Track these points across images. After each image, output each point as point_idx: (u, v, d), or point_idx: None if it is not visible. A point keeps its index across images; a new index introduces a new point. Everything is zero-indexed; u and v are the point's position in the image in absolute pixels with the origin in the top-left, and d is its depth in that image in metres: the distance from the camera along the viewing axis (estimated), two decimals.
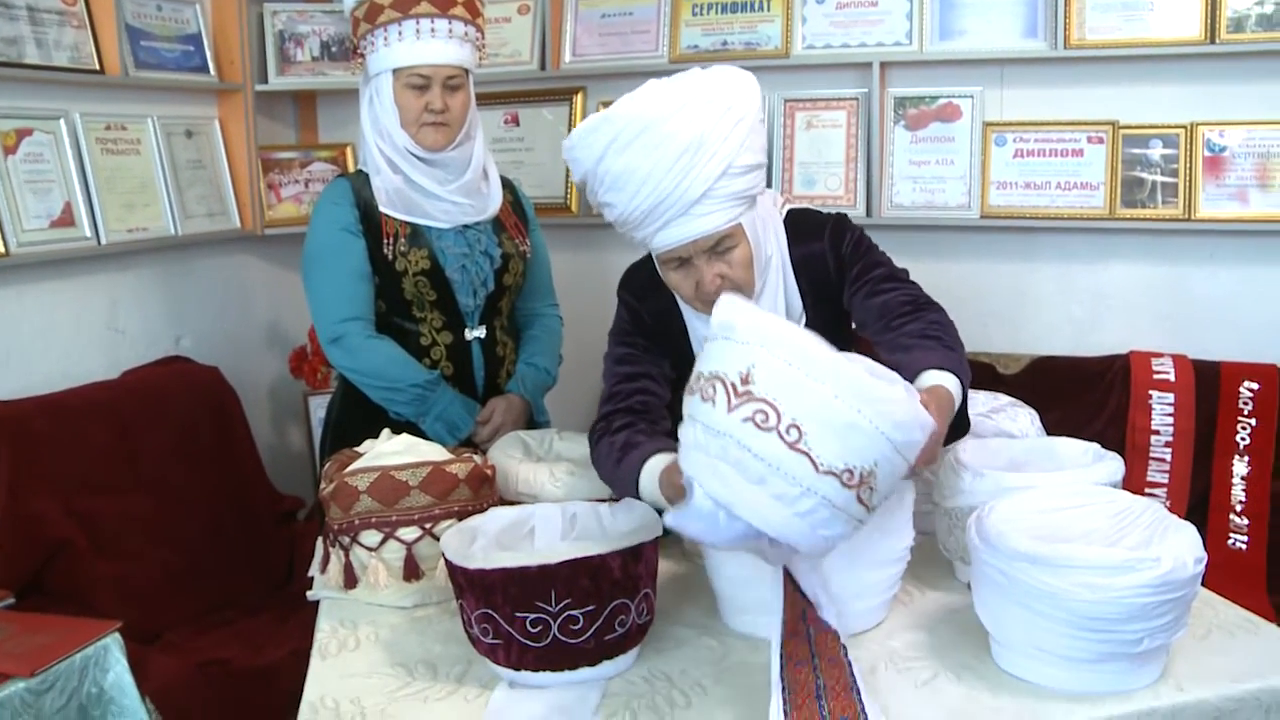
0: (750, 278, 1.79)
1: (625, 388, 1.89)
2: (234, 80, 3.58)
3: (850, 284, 1.89)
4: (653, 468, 1.66)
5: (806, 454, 1.30)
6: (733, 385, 1.34)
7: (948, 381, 1.60)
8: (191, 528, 3.02)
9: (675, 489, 1.53)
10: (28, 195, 2.91)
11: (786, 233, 1.90)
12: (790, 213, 1.94)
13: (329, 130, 3.99)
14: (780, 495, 1.32)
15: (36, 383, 2.94)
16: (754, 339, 1.34)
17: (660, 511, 1.58)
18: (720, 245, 1.75)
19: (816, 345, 1.34)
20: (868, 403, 1.31)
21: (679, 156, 1.66)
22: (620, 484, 1.73)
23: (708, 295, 1.74)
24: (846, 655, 1.42)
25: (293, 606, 2.85)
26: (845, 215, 1.94)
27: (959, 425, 1.66)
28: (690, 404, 1.41)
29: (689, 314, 1.90)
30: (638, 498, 1.69)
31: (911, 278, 1.90)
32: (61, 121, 3.03)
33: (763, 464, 1.32)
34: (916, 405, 1.39)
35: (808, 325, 1.79)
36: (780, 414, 1.30)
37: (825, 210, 1.98)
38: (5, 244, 2.82)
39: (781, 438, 1.30)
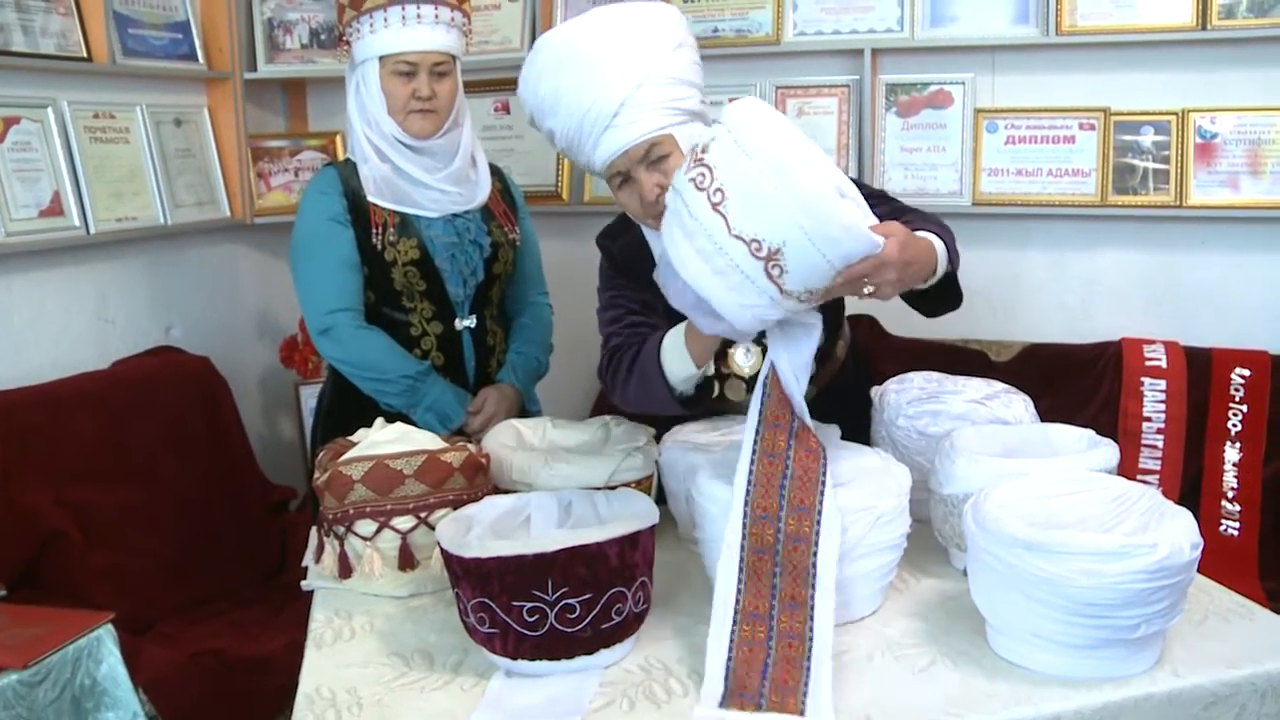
0: None
1: (618, 328, 1.98)
2: (223, 68, 3.56)
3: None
4: (671, 338, 1.80)
5: (723, 216, 1.45)
6: (694, 154, 1.52)
7: (930, 237, 1.68)
8: (183, 518, 3.02)
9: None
10: (16, 184, 2.89)
11: None
12: None
13: (319, 118, 3.97)
14: (700, 250, 1.48)
15: (26, 373, 2.92)
16: (730, 122, 1.50)
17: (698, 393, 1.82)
18: (652, 153, 1.85)
19: (773, 134, 1.46)
20: (789, 188, 1.42)
21: (592, 71, 1.81)
22: (646, 382, 1.84)
23: (651, 207, 1.86)
24: (824, 459, 1.56)
25: (286, 596, 2.85)
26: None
27: (949, 296, 1.76)
28: (697, 203, 1.51)
29: (651, 238, 1.97)
30: (668, 385, 1.80)
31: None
32: (49, 110, 3.01)
33: (692, 220, 1.48)
34: (851, 211, 1.48)
35: None
36: (713, 178, 1.46)
37: None
38: None
39: (709, 198, 1.46)
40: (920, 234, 1.67)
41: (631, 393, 1.90)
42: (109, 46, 3.14)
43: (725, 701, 1.41)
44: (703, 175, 1.48)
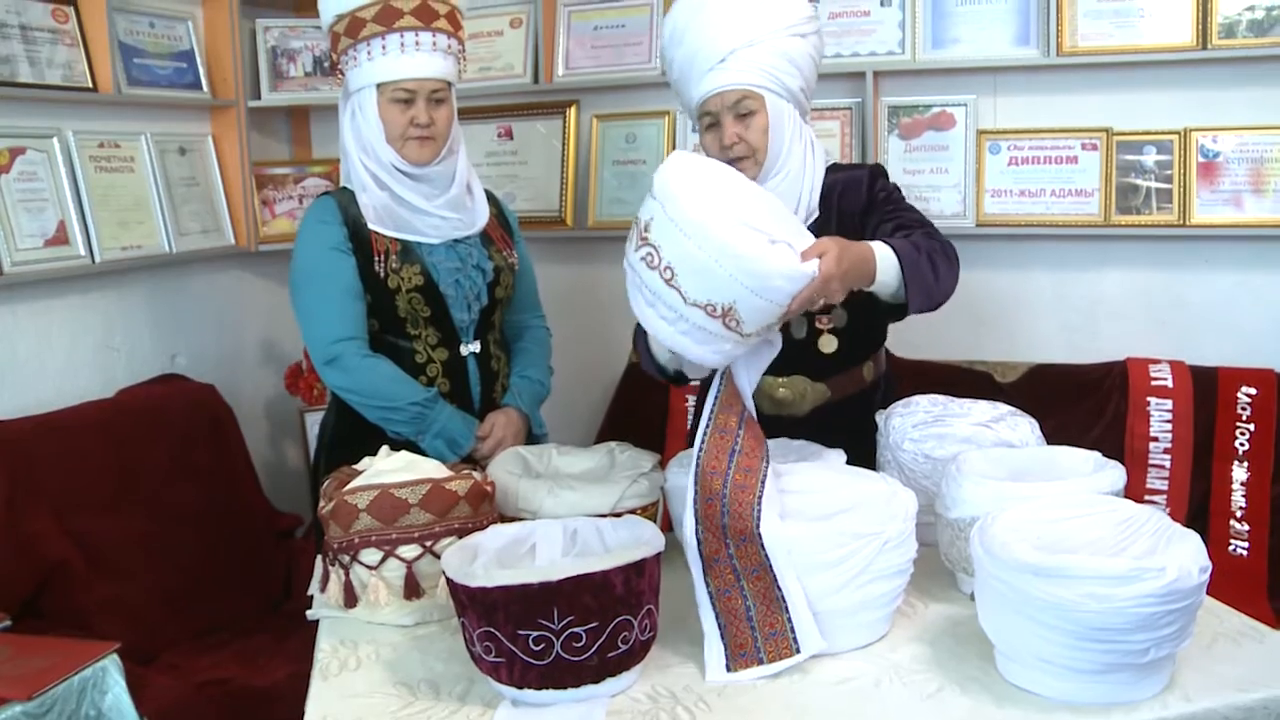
0: (763, 145, 2.10)
1: None
2: (227, 97, 3.58)
3: (878, 209, 2.17)
4: None
5: (677, 289, 1.64)
6: (639, 230, 1.70)
7: (875, 245, 1.89)
8: (188, 546, 3.01)
9: None
10: (21, 214, 2.90)
11: (829, 170, 2.21)
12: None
13: (322, 145, 3.98)
14: (665, 317, 1.68)
15: (32, 402, 2.93)
16: (660, 195, 1.67)
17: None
18: (741, 105, 2.08)
19: (700, 206, 1.63)
20: (727, 259, 1.60)
21: (719, 18, 2.08)
22: (646, 356, 2.07)
23: (725, 152, 2.10)
24: (766, 455, 1.72)
25: (291, 625, 2.84)
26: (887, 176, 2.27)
27: (923, 292, 1.94)
28: (649, 275, 1.70)
29: None
30: (657, 365, 2.04)
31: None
32: (55, 140, 3.03)
33: (651, 293, 1.68)
34: (785, 259, 1.66)
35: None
36: (660, 256, 1.65)
37: None
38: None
39: (661, 275, 1.65)
40: (870, 243, 1.89)
41: (643, 362, 2.12)
42: (114, 76, 3.16)
43: (731, 665, 1.57)
44: (651, 255, 1.66)
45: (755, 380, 1.81)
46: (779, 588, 1.58)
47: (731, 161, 2.05)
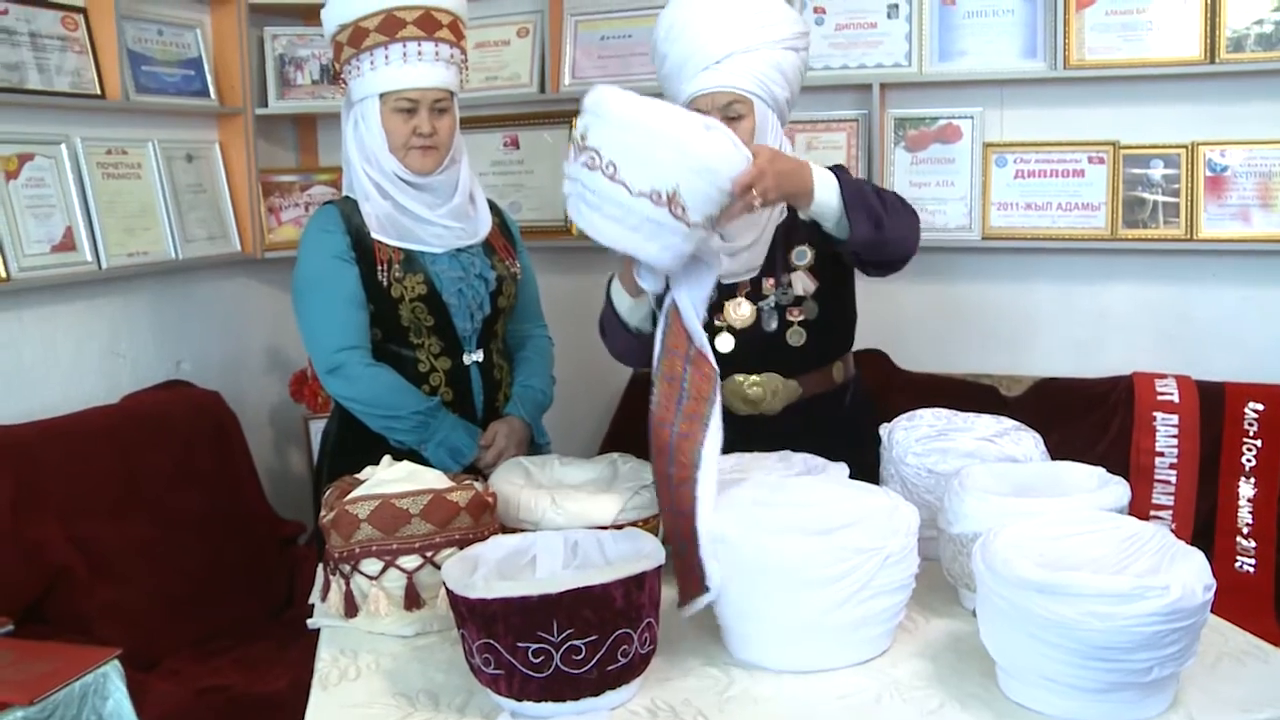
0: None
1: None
2: (234, 104, 3.59)
3: None
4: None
5: (623, 183, 1.73)
6: (576, 141, 1.80)
7: (814, 165, 1.98)
8: (191, 553, 3.01)
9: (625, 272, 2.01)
10: (29, 220, 2.91)
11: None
12: None
13: (329, 153, 3.99)
14: (610, 216, 1.76)
15: (37, 407, 2.93)
16: (594, 108, 1.78)
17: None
18: (731, 108, 2.14)
19: (636, 104, 1.76)
20: (668, 143, 1.72)
21: (718, 21, 2.14)
22: (609, 323, 2.14)
23: None
24: (717, 388, 1.76)
25: (293, 633, 2.83)
26: None
27: (869, 218, 1.99)
28: (592, 177, 1.79)
29: None
30: (620, 321, 2.10)
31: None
32: (63, 146, 3.04)
33: (596, 195, 1.76)
34: (723, 143, 1.76)
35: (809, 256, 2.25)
36: (602, 156, 1.74)
37: None
38: (6, 269, 2.82)
39: (604, 174, 1.74)
40: (814, 165, 1.99)
41: (608, 339, 2.19)
42: (122, 84, 3.17)
43: (683, 599, 1.67)
44: (592, 158, 1.76)
45: (701, 311, 1.87)
46: (695, 530, 1.65)
47: None
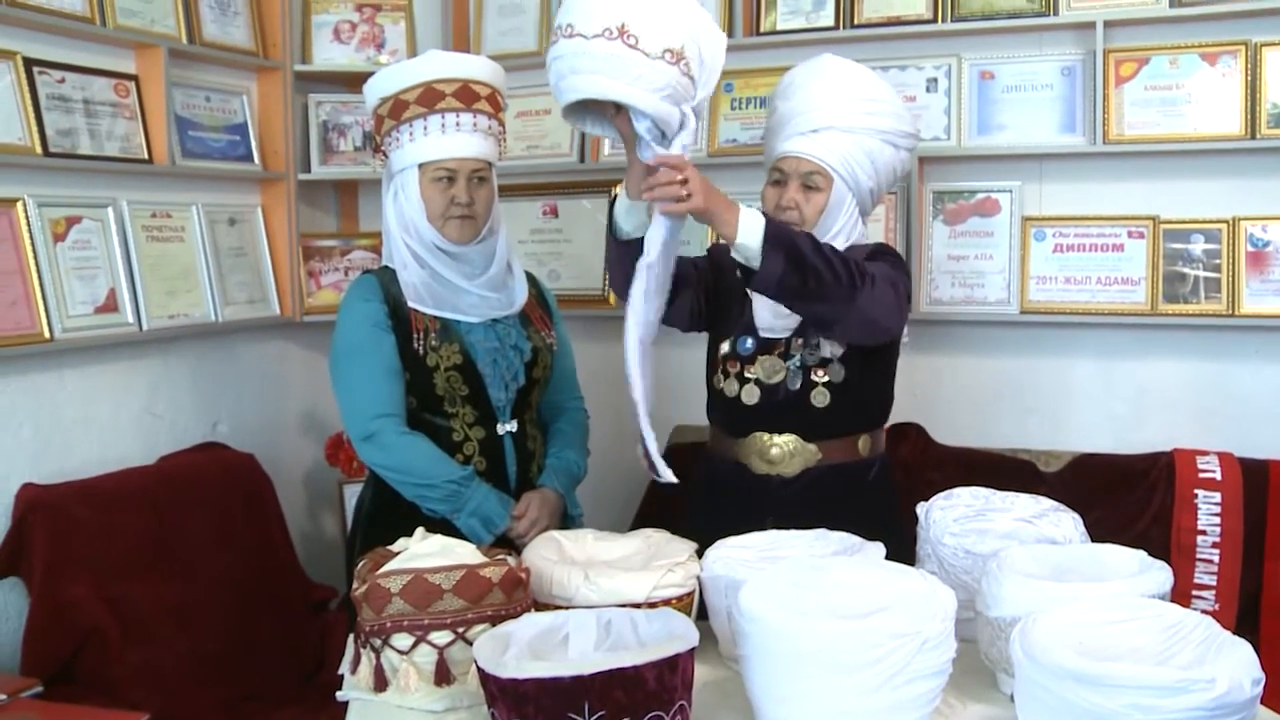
0: (813, 220, 2.27)
1: None
2: (278, 169, 3.64)
3: None
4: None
5: (581, 35, 1.97)
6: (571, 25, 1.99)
7: (747, 209, 2.07)
8: (223, 616, 3.01)
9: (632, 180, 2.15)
10: (74, 281, 2.95)
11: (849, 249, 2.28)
12: None
13: (369, 219, 4.03)
14: (577, 69, 1.99)
15: (74, 467, 2.95)
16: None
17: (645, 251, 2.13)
18: (811, 178, 2.25)
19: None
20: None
21: (830, 93, 2.26)
22: (612, 250, 2.27)
23: (781, 210, 2.26)
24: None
25: (323, 698, 2.80)
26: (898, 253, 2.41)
27: (783, 259, 2.04)
28: (556, 47, 2.02)
29: None
30: (618, 238, 2.22)
31: (900, 289, 2.25)
32: (110, 209, 3.09)
33: (563, 59, 2.01)
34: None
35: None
36: (565, 26, 1.99)
37: None
38: (50, 329, 2.86)
39: (563, 34, 2.00)
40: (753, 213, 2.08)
41: (610, 271, 2.35)
42: (169, 148, 3.22)
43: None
44: (559, 29, 2.01)
45: (658, 291, 2.13)
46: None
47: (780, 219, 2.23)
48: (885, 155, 2.28)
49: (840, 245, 2.26)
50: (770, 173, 2.34)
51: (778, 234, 2.04)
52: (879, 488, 2.36)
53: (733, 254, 2.11)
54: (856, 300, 2.10)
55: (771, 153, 2.34)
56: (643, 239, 2.13)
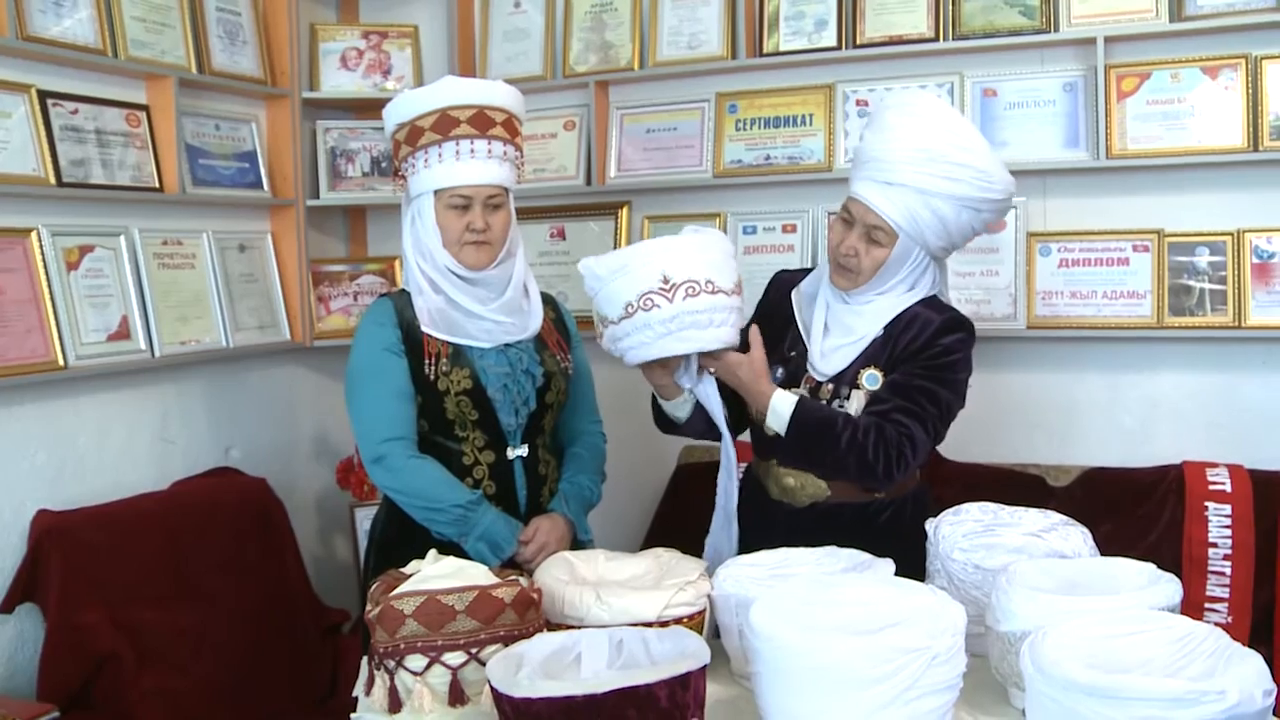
0: (870, 273, 2.23)
1: None
2: (287, 195, 3.67)
3: (910, 362, 2.22)
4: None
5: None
6: (661, 289, 2.10)
7: (780, 398, 2.18)
8: (236, 640, 3.03)
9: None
10: (87, 309, 2.98)
11: (926, 301, 2.27)
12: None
13: (378, 244, 4.07)
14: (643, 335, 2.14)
15: (88, 493, 2.98)
16: (644, 260, 2.14)
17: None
18: (875, 232, 2.19)
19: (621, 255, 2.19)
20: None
21: (908, 141, 2.15)
22: (659, 420, 2.39)
23: (840, 254, 2.24)
24: None
25: None
26: (972, 328, 2.30)
27: (801, 457, 2.23)
28: (632, 323, 2.15)
29: (797, 304, 2.40)
30: (665, 415, 2.35)
31: (931, 426, 2.22)
32: (121, 238, 3.12)
33: (641, 330, 2.14)
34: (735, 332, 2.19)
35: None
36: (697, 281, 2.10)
37: None
38: (64, 357, 2.89)
39: (642, 309, 2.14)
40: (780, 394, 2.19)
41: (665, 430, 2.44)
42: (180, 177, 3.26)
43: None
44: (692, 287, 2.11)
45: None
46: None
47: (838, 261, 2.25)
48: (961, 219, 2.18)
49: (903, 299, 2.26)
50: (842, 207, 2.27)
51: (802, 427, 2.16)
52: (893, 528, 2.30)
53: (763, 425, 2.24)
54: (876, 476, 2.18)
55: (851, 181, 2.26)
56: (694, 418, 2.31)
